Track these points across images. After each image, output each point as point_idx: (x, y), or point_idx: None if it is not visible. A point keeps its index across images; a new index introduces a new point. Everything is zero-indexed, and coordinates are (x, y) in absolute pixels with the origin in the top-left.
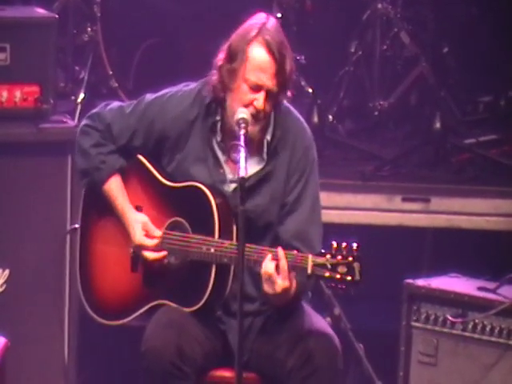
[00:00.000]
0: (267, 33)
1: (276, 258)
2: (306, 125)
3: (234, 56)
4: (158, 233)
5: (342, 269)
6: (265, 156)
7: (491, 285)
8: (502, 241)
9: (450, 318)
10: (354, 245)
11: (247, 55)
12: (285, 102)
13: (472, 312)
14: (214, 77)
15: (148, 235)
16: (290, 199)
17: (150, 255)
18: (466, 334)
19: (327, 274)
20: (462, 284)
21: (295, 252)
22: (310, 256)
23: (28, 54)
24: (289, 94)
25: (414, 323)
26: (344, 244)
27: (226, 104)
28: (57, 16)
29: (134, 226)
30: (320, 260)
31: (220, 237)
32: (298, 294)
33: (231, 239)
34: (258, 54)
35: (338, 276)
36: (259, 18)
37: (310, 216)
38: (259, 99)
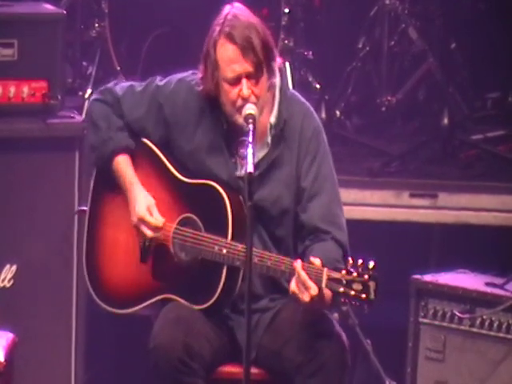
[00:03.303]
0: (227, 24)
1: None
2: (312, 108)
3: (207, 65)
4: (161, 218)
5: (357, 286)
6: (269, 140)
7: (499, 280)
8: (509, 236)
9: (458, 313)
10: (371, 263)
11: (216, 59)
12: (291, 89)
13: (480, 308)
14: (201, 87)
15: (151, 214)
16: (307, 184)
17: (149, 232)
18: (474, 329)
19: (341, 290)
20: (469, 280)
21: (310, 265)
22: (325, 270)
23: (36, 49)
24: (278, 60)
25: (421, 319)
26: (360, 261)
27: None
28: (65, 12)
29: (138, 201)
30: (335, 275)
31: (233, 238)
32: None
33: (243, 238)
34: (222, 51)
35: (353, 293)
36: (222, 13)
37: (332, 196)
38: (243, 88)
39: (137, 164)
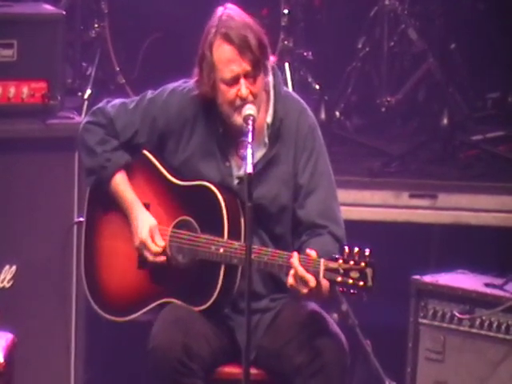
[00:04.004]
0: (222, 25)
1: (290, 267)
2: (306, 105)
3: (203, 67)
4: (162, 242)
5: (354, 274)
6: (266, 140)
7: (498, 281)
8: (509, 237)
9: (458, 314)
10: (367, 250)
11: (213, 60)
12: (285, 87)
13: (479, 308)
14: (196, 91)
15: (152, 239)
16: (304, 181)
17: (150, 257)
18: (474, 330)
19: (339, 279)
20: (469, 280)
21: (307, 256)
22: (323, 260)
23: (35, 50)
24: (271, 58)
25: (421, 319)
26: (356, 249)
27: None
28: (64, 12)
29: (141, 224)
30: (332, 265)
31: (229, 237)
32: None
33: (240, 237)
34: (219, 53)
35: (351, 281)
36: (215, 14)
37: (329, 192)
38: (241, 88)
39: (132, 172)
